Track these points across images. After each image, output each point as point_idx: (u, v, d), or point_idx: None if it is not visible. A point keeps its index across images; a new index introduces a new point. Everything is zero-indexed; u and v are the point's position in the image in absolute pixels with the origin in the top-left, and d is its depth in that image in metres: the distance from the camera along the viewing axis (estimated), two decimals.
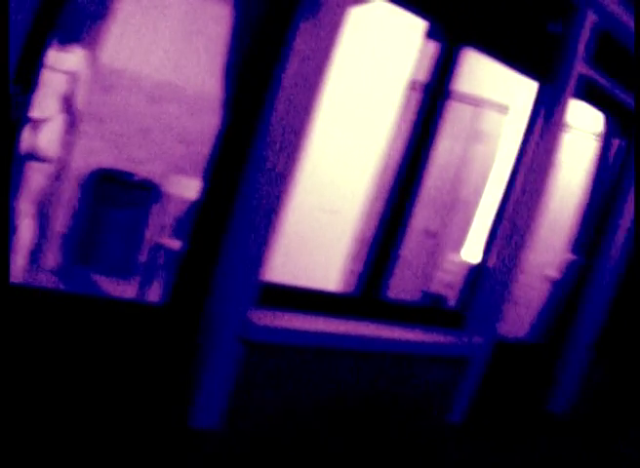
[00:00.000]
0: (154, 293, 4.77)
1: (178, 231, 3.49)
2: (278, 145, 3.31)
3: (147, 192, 5.88)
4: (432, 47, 4.06)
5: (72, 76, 4.75)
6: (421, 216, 4.90)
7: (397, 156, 4.17)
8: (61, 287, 5.23)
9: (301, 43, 3.24)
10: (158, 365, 3.38)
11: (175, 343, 3.40)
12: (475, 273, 4.81)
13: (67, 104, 4.81)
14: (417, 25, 4.06)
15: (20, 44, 2.58)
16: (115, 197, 5.77)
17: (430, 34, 4.06)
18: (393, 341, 4.15)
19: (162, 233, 5.53)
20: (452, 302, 4.87)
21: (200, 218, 3.37)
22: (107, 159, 5.86)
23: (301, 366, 3.77)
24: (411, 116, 4.14)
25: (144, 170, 5.97)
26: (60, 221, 5.62)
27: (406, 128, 4.14)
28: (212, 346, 3.39)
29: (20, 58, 2.60)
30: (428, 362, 4.39)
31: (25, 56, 2.63)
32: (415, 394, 4.40)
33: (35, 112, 4.58)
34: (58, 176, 5.34)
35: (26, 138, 4.58)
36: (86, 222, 5.72)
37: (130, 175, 5.85)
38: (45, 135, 4.66)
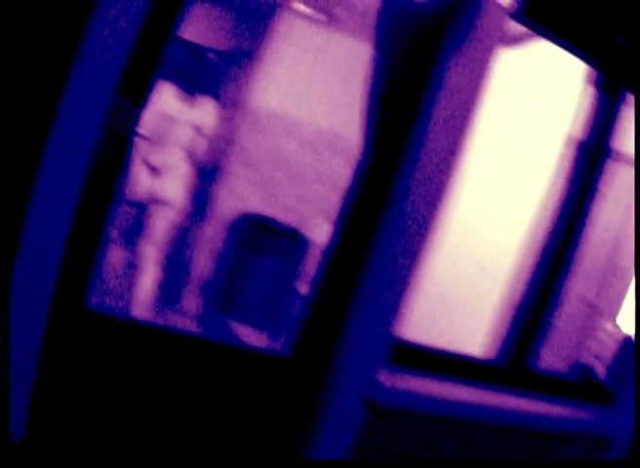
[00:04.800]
0: (282, 344, 4.64)
1: (312, 280, 3.37)
2: (421, 192, 3.09)
3: (293, 241, 5.77)
4: (594, 97, 3.76)
5: (199, 126, 4.76)
6: (577, 282, 4.54)
7: (552, 216, 3.87)
8: (191, 330, 5.18)
9: (449, 84, 3.03)
10: (274, 416, 3.21)
11: (294, 397, 3.22)
12: (629, 346, 4.37)
13: (195, 153, 4.82)
14: (576, 71, 3.77)
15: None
16: (261, 244, 5.68)
17: (592, 82, 3.75)
18: (535, 416, 3.77)
19: (300, 282, 5.41)
20: (602, 376, 4.46)
21: (332, 267, 3.19)
22: (254, 204, 5.83)
23: (432, 434, 3.46)
24: (567, 173, 3.82)
25: (291, 216, 5.89)
26: (200, 265, 5.60)
27: (562, 186, 3.84)
28: (333, 403, 3.16)
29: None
30: (569, 440, 3.97)
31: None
32: None
33: (159, 160, 4.61)
34: (198, 220, 5.35)
35: (151, 183, 4.61)
36: (227, 268, 5.67)
37: (277, 222, 5.78)
38: (171, 180, 4.67)
